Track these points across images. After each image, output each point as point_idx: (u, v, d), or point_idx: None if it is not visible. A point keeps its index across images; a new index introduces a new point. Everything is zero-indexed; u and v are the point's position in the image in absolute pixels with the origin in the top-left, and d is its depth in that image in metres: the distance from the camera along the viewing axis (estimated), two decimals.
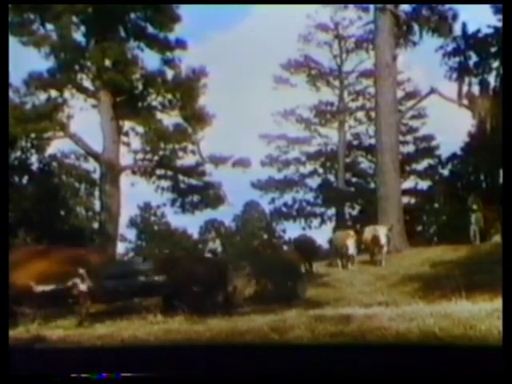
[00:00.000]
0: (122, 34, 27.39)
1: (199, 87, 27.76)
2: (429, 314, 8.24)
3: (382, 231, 22.90)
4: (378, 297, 16.76)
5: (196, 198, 29.39)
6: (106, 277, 15.71)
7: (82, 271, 15.03)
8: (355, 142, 37.68)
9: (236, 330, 8.73)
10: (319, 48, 36.18)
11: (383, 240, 22.55)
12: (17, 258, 14.55)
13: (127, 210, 32.38)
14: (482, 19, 28.52)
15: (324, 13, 35.34)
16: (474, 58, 29.00)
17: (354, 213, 36.85)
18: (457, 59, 29.06)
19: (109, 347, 7.41)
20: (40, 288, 14.71)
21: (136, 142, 28.31)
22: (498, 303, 8.22)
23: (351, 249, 22.20)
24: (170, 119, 28.19)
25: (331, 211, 36.62)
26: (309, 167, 37.28)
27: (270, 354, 3.94)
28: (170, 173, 29.09)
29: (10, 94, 25.26)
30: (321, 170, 37.52)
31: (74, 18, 26.50)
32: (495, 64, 28.22)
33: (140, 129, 28.20)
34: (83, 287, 14.97)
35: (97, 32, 26.57)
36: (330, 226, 35.80)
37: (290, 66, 36.14)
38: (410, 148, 36.87)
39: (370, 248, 23.20)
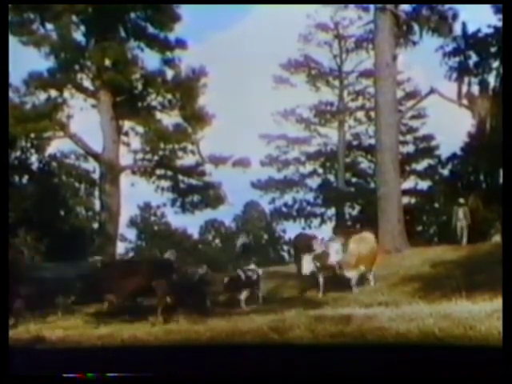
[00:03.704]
0: (122, 33, 27.37)
1: (199, 87, 27.75)
2: (429, 315, 8.24)
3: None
4: (378, 297, 16.76)
5: (196, 197, 29.37)
6: None
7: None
8: (355, 142, 37.64)
9: (236, 329, 8.72)
10: (319, 48, 36.16)
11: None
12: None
13: (127, 210, 32.32)
14: (482, 19, 28.53)
15: (324, 13, 35.32)
16: (474, 58, 29.02)
17: (354, 213, 36.83)
18: (457, 59, 29.07)
19: (109, 347, 7.40)
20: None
21: (136, 142, 28.33)
22: (497, 303, 8.22)
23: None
24: (169, 119, 28.20)
25: (331, 211, 36.60)
26: (309, 167, 37.26)
27: (270, 354, 3.94)
28: (169, 173, 29.07)
29: (10, 93, 25.26)
30: (321, 170, 37.50)
31: (74, 18, 26.49)
32: (495, 64, 28.24)
33: (140, 129, 28.20)
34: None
35: (97, 32, 26.55)
36: (330, 226, 35.84)
37: (290, 65, 36.11)
38: (410, 148, 36.85)
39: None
